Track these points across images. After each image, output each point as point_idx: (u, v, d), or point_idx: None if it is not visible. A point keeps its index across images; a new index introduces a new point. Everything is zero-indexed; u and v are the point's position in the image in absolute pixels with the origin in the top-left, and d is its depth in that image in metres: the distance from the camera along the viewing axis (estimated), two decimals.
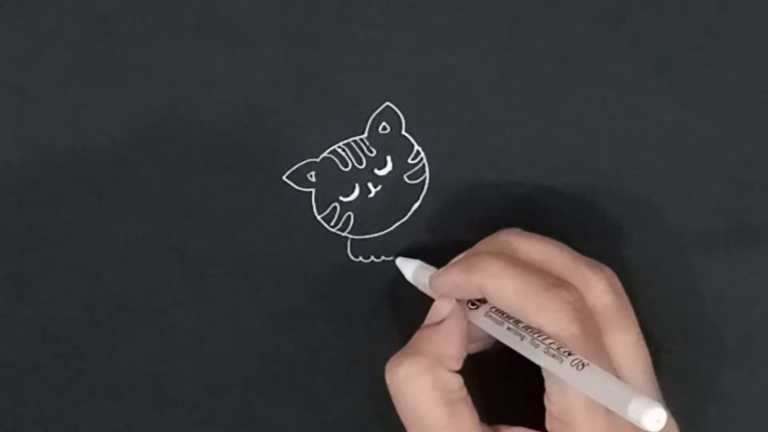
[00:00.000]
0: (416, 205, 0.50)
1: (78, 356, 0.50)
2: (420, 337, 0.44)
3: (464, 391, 0.43)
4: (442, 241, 0.50)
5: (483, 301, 0.44)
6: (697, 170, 0.50)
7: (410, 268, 0.48)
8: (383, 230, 0.50)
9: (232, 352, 0.50)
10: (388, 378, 0.44)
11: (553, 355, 0.40)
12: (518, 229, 0.46)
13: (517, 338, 0.41)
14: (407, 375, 0.43)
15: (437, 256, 0.48)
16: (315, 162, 0.50)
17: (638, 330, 0.44)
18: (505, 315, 0.43)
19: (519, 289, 0.42)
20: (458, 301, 0.45)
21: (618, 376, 0.41)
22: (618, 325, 0.43)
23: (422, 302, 0.49)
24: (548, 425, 0.42)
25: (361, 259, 0.50)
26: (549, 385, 0.42)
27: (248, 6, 0.50)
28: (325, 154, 0.50)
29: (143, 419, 0.50)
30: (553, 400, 0.41)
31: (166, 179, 0.50)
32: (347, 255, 0.50)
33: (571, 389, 0.40)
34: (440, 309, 0.45)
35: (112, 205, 0.50)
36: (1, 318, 0.49)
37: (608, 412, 0.39)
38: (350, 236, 0.50)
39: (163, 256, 0.50)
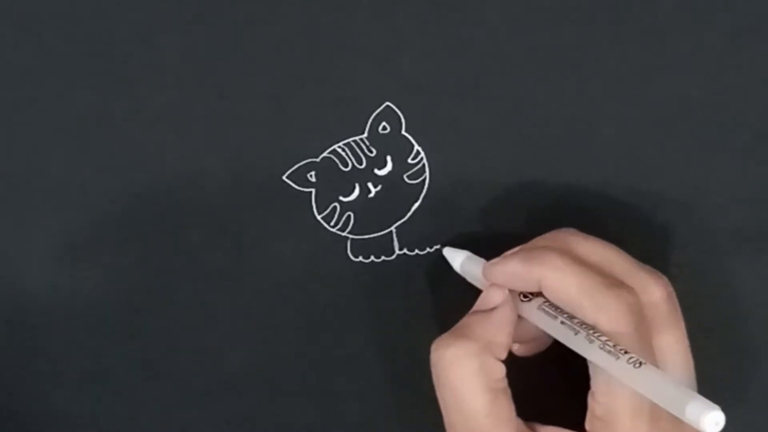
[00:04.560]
0: (416, 205, 0.50)
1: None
2: (470, 322, 0.44)
3: (506, 381, 0.43)
4: (443, 242, 0.50)
5: (535, 295, 0.44)
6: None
7: (458, 258, 0.48)
8: (383, 230, 0.50)
9: (231, 352, 0.49)
10: (434, 358, 0.43)
11: (609, 352, 0.40)
12: (576, 230, 0.46)
13: (571, 333, 0.41)
14: (455, 357, 0.42)
15: (438, 256, 0.49)
16: (315, 162, 0.49)
17: (687, 339, 0.44)
18: (558, 309, 0.43)
19: (581, 285, 0.42)
20: (510, 291, 0.45)
21: None
22: (668, 330, 0.43)
23: (424, 302, 0.49)
24: (588, 425, 0.42)
25: (361, 259, 0.50)
26: (596, 384, 0.42)
27: (249, 5, 0.49)
28: (325, 154, 0.49)
29: (155, 418, 0.49)
30: (598, 399, 0.42)
31: (165, 180, 0.49)
32: (347, 255, 0.50)
33: (619, 391, 0.41)
34: (492, 297, 0.44)
35: (111, 207, 0.49)
36: None
37: (653, 418, 0.39)
38: (350, 236, 0.50)
39: (163, 257, 0.49)
